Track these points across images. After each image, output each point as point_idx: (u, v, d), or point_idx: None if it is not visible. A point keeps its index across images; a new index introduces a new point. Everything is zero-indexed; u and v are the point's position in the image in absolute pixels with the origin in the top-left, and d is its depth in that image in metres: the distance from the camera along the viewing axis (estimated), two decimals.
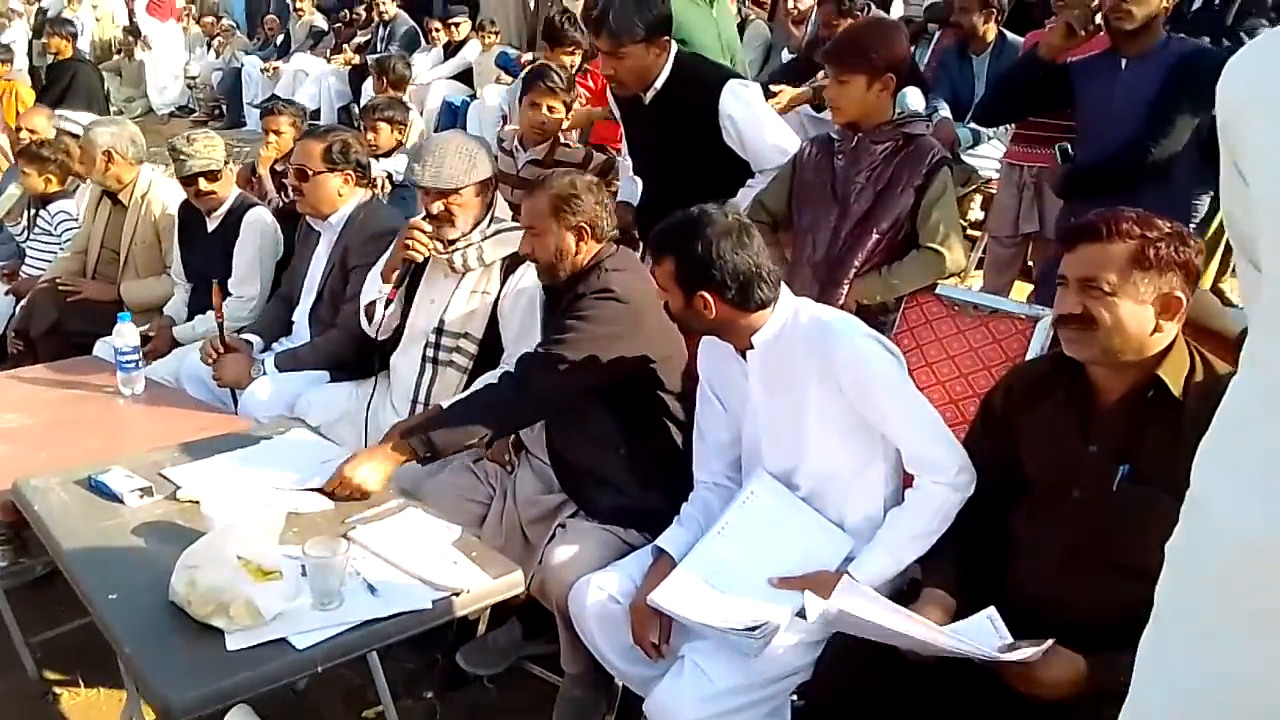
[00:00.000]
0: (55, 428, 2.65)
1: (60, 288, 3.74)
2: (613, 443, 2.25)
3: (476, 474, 2.44)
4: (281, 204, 3.94)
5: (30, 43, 12.56)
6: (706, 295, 1.88)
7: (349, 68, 8.52)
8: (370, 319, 2.79)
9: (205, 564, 1.69)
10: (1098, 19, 2.73)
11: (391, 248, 2.78)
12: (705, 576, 1.90)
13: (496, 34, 7.86)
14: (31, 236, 4.18)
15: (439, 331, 2.72)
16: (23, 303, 3.87)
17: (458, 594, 1.81)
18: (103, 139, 3.69)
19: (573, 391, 2.21)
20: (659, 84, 2.81)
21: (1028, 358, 2.19)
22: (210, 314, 3.41)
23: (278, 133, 4.21)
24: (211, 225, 3.53)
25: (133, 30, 11.34)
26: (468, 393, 2.47)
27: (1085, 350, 1.62)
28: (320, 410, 2.84)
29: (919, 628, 1.58)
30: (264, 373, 3.04)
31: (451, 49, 7.88)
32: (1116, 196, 1.97)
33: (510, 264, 2.70)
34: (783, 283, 1.97)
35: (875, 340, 1.88)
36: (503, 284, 2.69)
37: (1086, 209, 1.80)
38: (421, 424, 2.22)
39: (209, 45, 11.39)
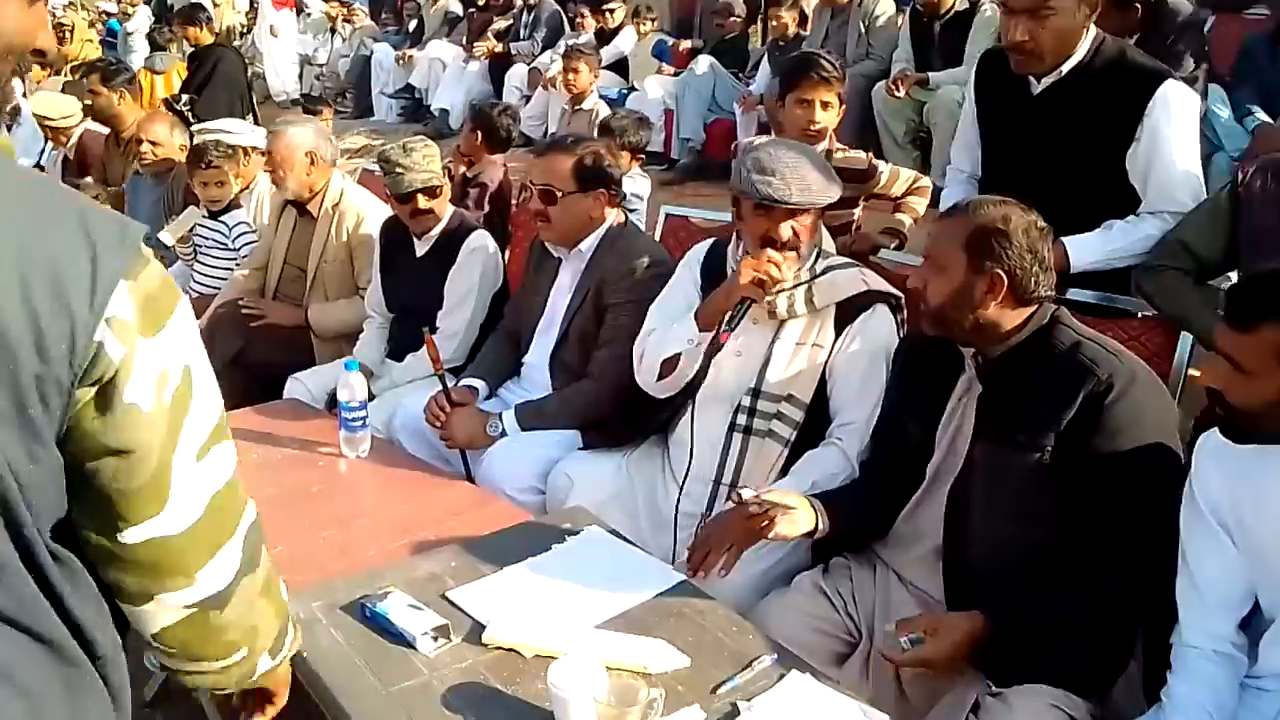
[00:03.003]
0: (279, 505, 2.16)
1: (244, 311, 3.28)
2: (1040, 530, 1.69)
3: (829, 596, 1.88)
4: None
5: (152, 30, 12.48)
6: None
7: (488, 59, 8.01)
8: (663, 375, 2.23)
9: None
10: None
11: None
12: None
13: (653, 20, 7.29)
14: (202, 250, 3.74)
15: (755, 393, 2.16)
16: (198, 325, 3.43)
17: None
18: (304, 139, 3.22)
19: None
20: (1067, 66, 2.18)
21: None
22: (413, 358, 2.93)
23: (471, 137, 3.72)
24: (422, 249, 3.03)
25: (253, 15, 11.07)
26: None
27: None
28: (584, 486, 2.31)
29: None
30: (502, 431, 2.53)
31: (604, 38, 7.33)
32: None
33: (844, 312, 2.13)
34: None
35: None
36: (837, 336, 2.13)
37: None
38: None
39: (332, 30, 11.07)
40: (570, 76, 4.90)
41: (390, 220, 3.13)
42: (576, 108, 4.99)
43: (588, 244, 2.64)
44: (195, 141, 3.63)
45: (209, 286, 3.69)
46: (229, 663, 0.99)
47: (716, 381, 2.22)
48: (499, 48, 7.93)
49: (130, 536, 0.85)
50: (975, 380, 1.78)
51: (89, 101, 4.60)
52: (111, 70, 4.51)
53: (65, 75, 7.19)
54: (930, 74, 4.82)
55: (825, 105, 2.73)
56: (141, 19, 12.18)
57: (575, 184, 2.56)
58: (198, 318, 3.41)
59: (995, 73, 2.32)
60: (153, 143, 3.97)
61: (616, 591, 1.71)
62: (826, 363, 2.13)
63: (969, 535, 1.75)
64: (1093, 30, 2.17)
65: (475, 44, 8.14)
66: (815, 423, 2.15)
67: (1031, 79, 2.22)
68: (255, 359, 3.25)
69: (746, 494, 1.82)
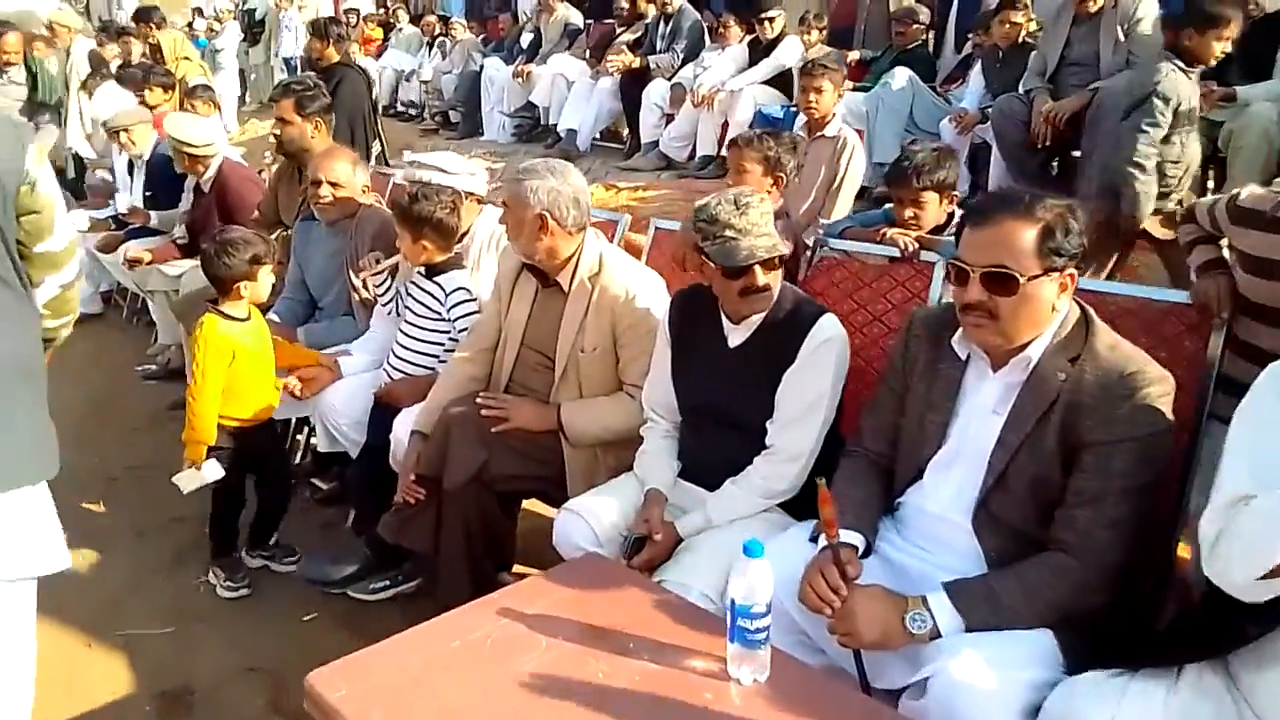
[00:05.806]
0: None
1: (484, 413, 2.50)
2: None
3: None
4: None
5: (240, 46, 11.88)
6: None
7: (620, 75, 7.21)
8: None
9: None
10: None
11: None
12: None
13: (821, 29, 6.47)
14: (409, 317, 2.97)
15: None
16: (405, 421, 2.66)
17: None
18: (537, 196, 2.45)
19: None
20: None
21: None
22: (738, 488, 2.15)
23: (741, 171, 2.92)
24: (738, 337, 2.23)
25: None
26: None
27: None
28: None
29: None
30: (934, 628, 1.72)
31: (760, 49, 6.52)
32: None
33: None
34: None
35: None
36: None
37: None
38: None
39: (430, 46, 10.41)
40: (812, 97, 4.05)
41: (687, 295, 2.35)
42: (817, 135, 4.15)
43: (1036, 347, 1.83)
44: (402, 185, 2.87)
45: (413, 362, 2.92)
46: (68, 319, 2.02)
47: None
48: (636, 62, 7.15)
49: (39, 249, 1.84)
50: None
51: (277, 131, 3.87)
52: (307, 95, 3.75)
53: (172, 101, 6.52)
54: (1238, 88, 3.95)
55: None
56: (231, 36, 11.64)
57: (1039, 264, 1.75)
58: (407, 403, 2.67)
59: None
60: (333, 184, 3.22)
61: None
62: None
63: None
64: None
65: (608, 58, 7.36)
66: None
67: None
68: (493, 473, 2.47)
69: None
